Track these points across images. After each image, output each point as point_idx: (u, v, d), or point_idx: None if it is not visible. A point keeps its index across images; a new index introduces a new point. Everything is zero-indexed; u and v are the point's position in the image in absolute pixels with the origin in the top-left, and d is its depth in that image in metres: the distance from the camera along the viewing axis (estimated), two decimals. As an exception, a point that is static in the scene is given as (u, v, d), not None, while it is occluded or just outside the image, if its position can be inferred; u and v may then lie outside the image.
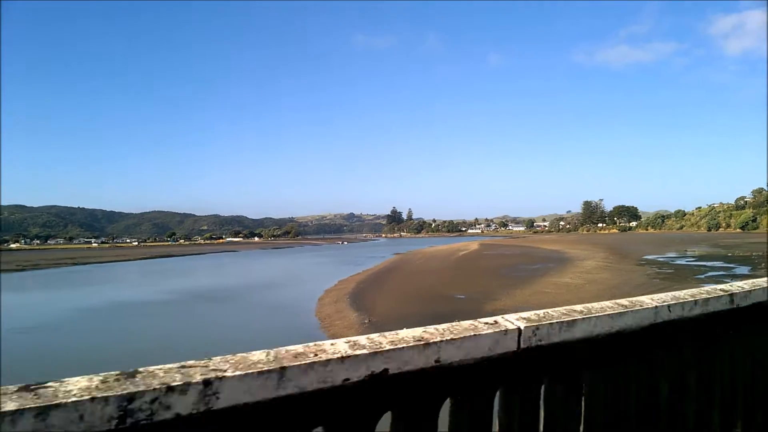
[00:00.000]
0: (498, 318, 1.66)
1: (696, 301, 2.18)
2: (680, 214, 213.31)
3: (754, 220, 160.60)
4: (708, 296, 2.27)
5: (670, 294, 2.22)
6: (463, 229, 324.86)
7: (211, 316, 26.35)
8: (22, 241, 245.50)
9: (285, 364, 1.14)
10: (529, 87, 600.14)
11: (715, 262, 43.13)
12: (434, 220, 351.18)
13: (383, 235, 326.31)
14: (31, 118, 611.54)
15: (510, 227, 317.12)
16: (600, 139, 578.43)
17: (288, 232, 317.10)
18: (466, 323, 1.55)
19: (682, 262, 45.32)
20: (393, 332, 1.41)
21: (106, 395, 0.94)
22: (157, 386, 0.99)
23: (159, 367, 1.06)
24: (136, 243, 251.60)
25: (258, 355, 1.17)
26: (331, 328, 19.80)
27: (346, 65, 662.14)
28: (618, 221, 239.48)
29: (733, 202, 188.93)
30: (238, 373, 1.08)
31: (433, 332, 1.44)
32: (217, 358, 1.13)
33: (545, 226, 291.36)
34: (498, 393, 1.61)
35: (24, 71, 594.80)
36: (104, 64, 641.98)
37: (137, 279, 54.90)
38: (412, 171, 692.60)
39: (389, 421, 1.40)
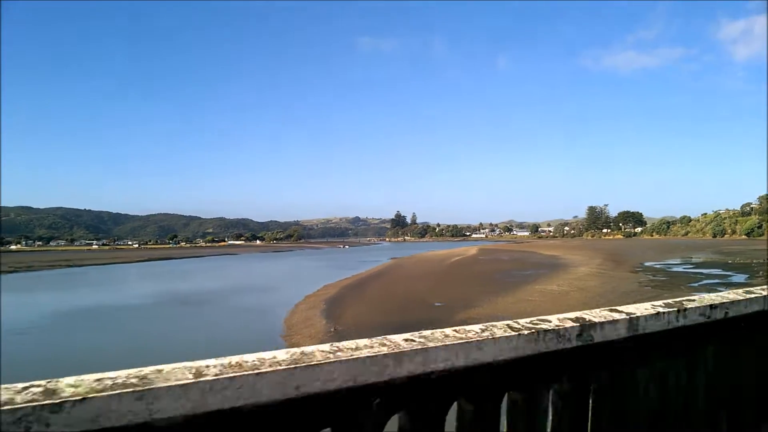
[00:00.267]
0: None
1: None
2: (686, 220, 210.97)
3: (760, 227, 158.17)
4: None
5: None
6: (467, 233, 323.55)
7: (178, 319, 25.68)
8: (24, 242, 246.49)
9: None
10: (535, 92, 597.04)
11: (713, 270, 42.01)
12: (438, 225, 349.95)
13: (387, 239, 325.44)
14: (37, 118, 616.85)
15: (514, 232, 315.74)
16: (606, 144, 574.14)
17: (291, 236, 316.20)
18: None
19: (679, 269, 44.24)
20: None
21: None
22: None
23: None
24: (137, 245, 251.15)
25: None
26: (294, 336, 18.97)
27: (349, 69, 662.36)
28: (623, 227, 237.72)
29: (738, 209, 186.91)
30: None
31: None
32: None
33: (550, 231, 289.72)
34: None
35: (24, 71, 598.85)
36: (104, 64, 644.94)
37: (124, 281, 54.33)
38: (417, 175, 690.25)
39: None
